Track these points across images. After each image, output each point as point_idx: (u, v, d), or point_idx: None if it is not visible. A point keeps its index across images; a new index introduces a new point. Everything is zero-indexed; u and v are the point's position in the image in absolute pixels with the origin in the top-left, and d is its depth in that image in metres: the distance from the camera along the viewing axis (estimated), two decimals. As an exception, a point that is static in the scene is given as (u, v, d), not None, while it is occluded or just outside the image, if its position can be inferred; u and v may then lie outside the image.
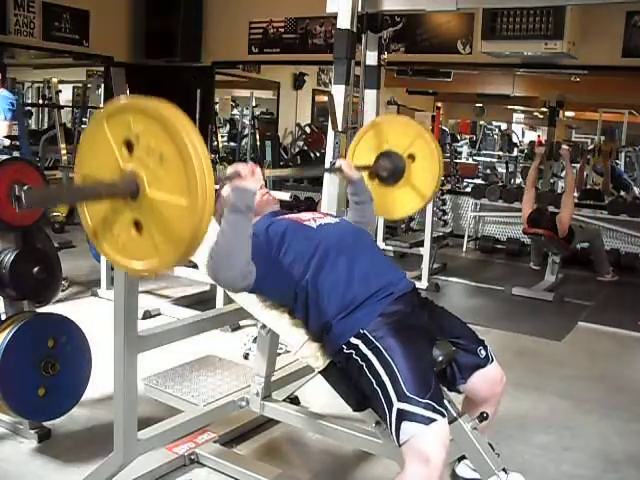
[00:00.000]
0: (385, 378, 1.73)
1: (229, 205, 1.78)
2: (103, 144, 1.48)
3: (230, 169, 1.82)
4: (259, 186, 1.83)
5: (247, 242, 1.79)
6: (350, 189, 2.33)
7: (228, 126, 10.02)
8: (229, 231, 1.76)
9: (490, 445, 1.97)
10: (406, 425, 1.67)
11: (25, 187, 1.26)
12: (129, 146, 1.45)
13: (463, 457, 2.16)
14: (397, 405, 1.69)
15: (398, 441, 1.69)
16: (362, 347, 1.79)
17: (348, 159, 2.59)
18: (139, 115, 1.43)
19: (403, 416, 1.68)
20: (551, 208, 5.69)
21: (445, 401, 1.82)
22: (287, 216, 2.10)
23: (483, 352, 1.99)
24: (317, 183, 6.46)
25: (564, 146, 5.78)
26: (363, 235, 2.14)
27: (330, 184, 4.28)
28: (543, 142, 10.14)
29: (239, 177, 1.79)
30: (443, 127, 10.47)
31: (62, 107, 7.66)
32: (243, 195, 1.78)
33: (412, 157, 2.56)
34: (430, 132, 2.63)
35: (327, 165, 4.19)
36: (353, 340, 1.81)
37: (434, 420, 1.67)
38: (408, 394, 1.69)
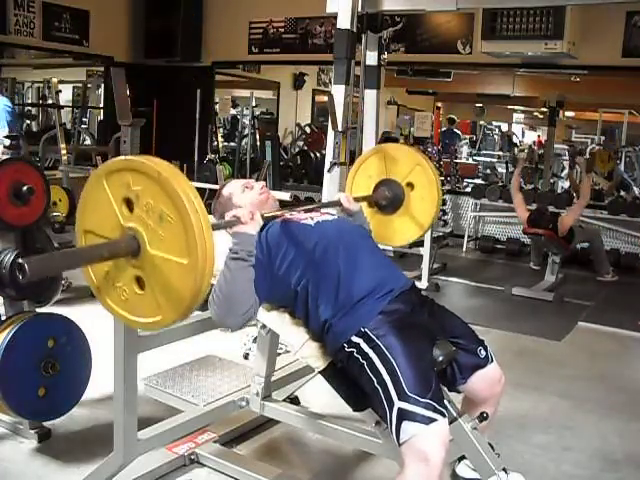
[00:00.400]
0: (386, 377, 1.73)
1: (230, 251, 1.78)
2: (103, 201, 1.49)
3: (229, 214, 1.83)
4: (259, 228, 1.84)
5: (249, 288, 1.80)
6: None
7: (222, 128, 10.01)
8: (230, 278, 1.76)
9: (490, 445, 1.97)
10: (406, 425, 1.67)
11: (27, 258, 1.26)
12: (129, 204, 1.47)
13: (463, 457, 2.16)
14: (398, 404, 1.69)
15: (398, 440, 1.69)
16: (363, 345, 1.79)
17: (347, 192, 2.59)
18: (138, 174, 1.44)
19: (404, 415, 1.68)
20: (551, 208, 5.69)
21: (445, 401, 1.82)
22: (284, 216, 2.10)
23: (483, 352, 1.99)
24: (317, 183, 6.46)
25: (580, 157, 5.77)
26: (362, 233, 2.14)
27: (330, 184, 4.29)
28: (543, 142, 10.14)
29: (239, 222, 1.79)
30: (455, 129, 10.43)
31: (62, 107, 7.65)
32: (244, 240, 1.79)
33: (411, 186, 2.55)
34: (429, 160, 2.63)
35: (327, 165, 4.20)
36: (354, 338, 1.81)
37: (434, 420, 1.67)
38: (409, 393, 1.69)
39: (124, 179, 1.46)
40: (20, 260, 1.24)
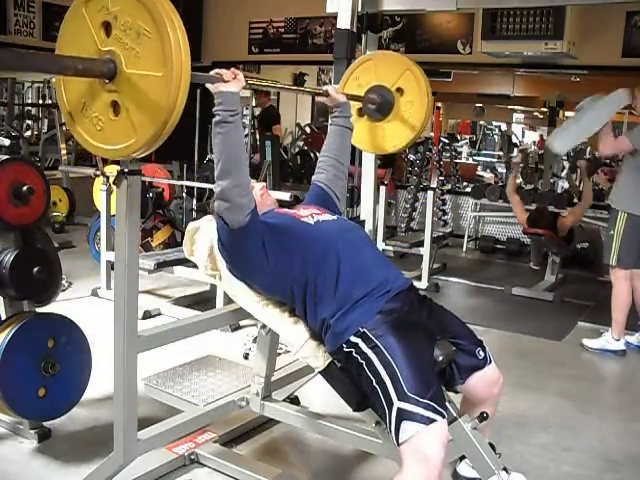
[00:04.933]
0: (385, 377, 1.73)
1: (215, 114, 1.79)
2: (82, 29, 1.55)
3: (211, 73, 1.83)
4: (241, 88, 1.84)
5: (241, 149, 1.83)
6: (335, 112, 2.35)
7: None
8: (221, 142, 1.80)
9: (491, 445, 1.97)
10: (406, 424, 1.67)
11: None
12: (107, 29, 1.52)
13: (465, 456, 2.15)
14: (397, 404, 1.69)
15: (397, 440, 1.69)
16: (362, 345, 1.79)
17: (338, 87, 2.59)
18: None
19: (403, 415, 1.68)
20: (551, 208, 5.69)
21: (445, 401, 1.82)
22: (285, 211, 2.11)
23: (481, 353, 1.99)
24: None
25: (581, 160, 5.77)
26: (360, 233, 2.14)
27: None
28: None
29: (222, 80, 1.79)
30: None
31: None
32: (226, 99, 1.80)
33: (400, 91, 2.57)
34: (418, 66, 2.63)
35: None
36: (353, 338, 1.81)
37: (434, 420, 1.67)
38: (409, 394, 1.69)
39: (103, 2, 1.51)
40: None
